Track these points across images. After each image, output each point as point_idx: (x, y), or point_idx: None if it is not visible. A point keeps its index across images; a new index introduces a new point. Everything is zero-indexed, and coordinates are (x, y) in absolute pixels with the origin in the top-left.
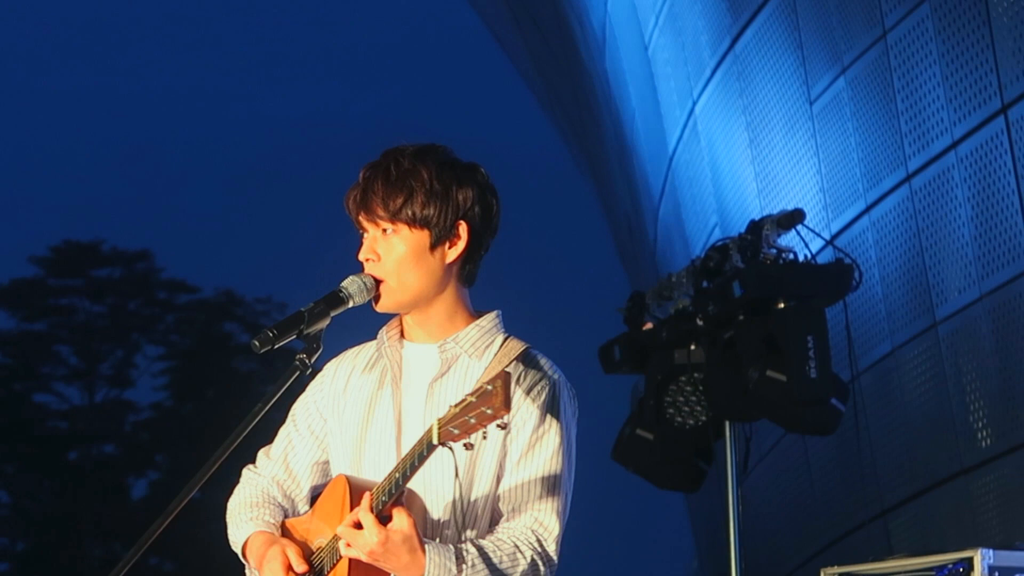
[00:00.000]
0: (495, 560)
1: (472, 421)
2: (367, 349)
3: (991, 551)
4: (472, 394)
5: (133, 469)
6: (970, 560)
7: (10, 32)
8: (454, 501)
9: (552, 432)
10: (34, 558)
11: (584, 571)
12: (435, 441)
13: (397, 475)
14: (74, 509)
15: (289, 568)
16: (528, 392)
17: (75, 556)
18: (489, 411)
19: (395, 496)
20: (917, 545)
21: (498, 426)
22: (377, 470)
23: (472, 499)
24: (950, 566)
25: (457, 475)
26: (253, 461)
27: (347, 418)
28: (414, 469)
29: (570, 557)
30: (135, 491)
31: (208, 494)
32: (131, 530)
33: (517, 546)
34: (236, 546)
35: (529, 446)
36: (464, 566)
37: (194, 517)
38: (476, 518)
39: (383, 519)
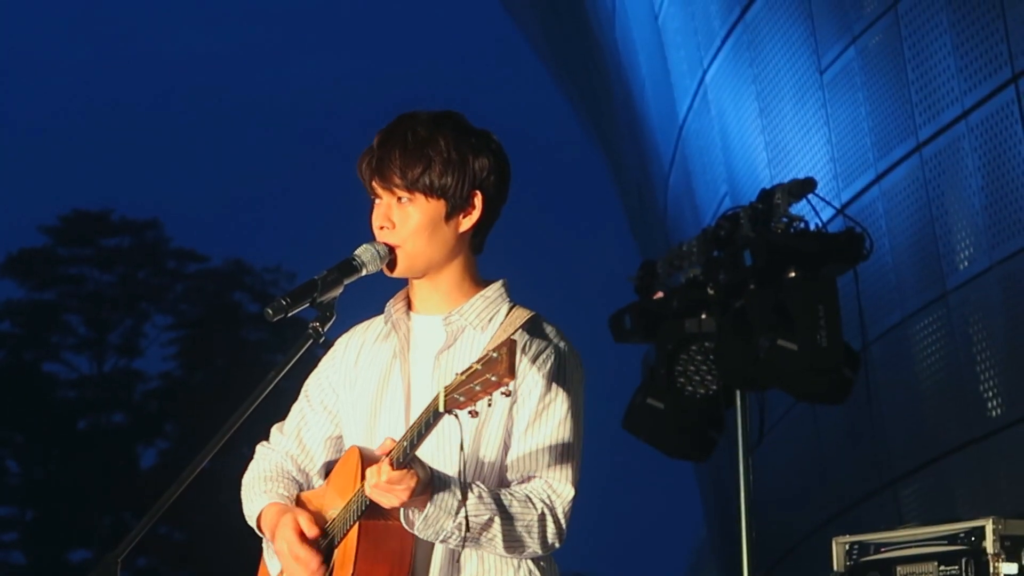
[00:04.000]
0: (504, 501)
1: (477, 388)
2: (376, 323)
3: (1003, 520)
4: (478, 361)
5: (142, 438)
6: (982, 529)
7: (16, 1)
8: (460, 471)
9: (559, 400)
10: (43, 527)
11: (593, 540)
12: (441, 409)
13: (405, 443)
14: (83, 478)
15: (301, 534)
16: (534, 360)
17: (84, 525)
18: (494, 378)
19: (405, 465)
20: (927, 514)
21: (503, 393)
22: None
23: (478, 468)
24: (962, 535)
25: (462, 445)
26: (267, 437)
27: (360, 388)
28: (421, 437)
29: (579, 526)
30: (144, 460)
31: (219, 464)
32: (140, 500)
33: (529, 497)
34: (251, 519)
35: (536, 414)
36: (471, 495)
37: (205, 487)
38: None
39: None
